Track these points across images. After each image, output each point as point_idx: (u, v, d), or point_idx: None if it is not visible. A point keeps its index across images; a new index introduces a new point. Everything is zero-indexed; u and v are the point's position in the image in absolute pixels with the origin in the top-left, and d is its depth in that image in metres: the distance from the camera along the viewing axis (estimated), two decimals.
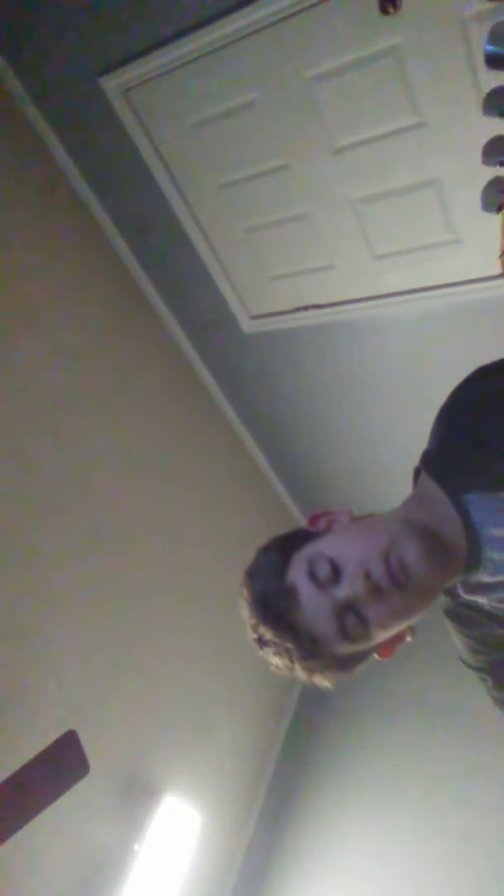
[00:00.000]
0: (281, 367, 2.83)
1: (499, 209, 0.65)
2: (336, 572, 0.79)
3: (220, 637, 2.78)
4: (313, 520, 0.89)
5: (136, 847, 2.22)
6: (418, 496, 0.88)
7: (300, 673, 0.83)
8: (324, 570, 0.79)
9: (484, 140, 1.61)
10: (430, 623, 1.00)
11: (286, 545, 0.86)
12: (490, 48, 0.60)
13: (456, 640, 0.98)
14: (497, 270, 2.11)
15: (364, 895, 2.50)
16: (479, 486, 0.83)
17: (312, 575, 0.80)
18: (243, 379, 2.98)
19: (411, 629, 0.86)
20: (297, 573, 0.81)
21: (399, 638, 0.86)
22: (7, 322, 2.20)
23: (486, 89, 1.74)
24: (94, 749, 1.72)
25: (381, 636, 0.82)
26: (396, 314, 2.41)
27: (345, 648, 0.82)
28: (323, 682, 0.85)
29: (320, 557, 0.80)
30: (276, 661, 0.83)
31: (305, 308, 2.53)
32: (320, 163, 2.10)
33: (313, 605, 0.79)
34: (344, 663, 0.84)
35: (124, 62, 2.08)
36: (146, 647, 2.48)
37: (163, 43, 2.01)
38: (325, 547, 0.82)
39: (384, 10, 1.73)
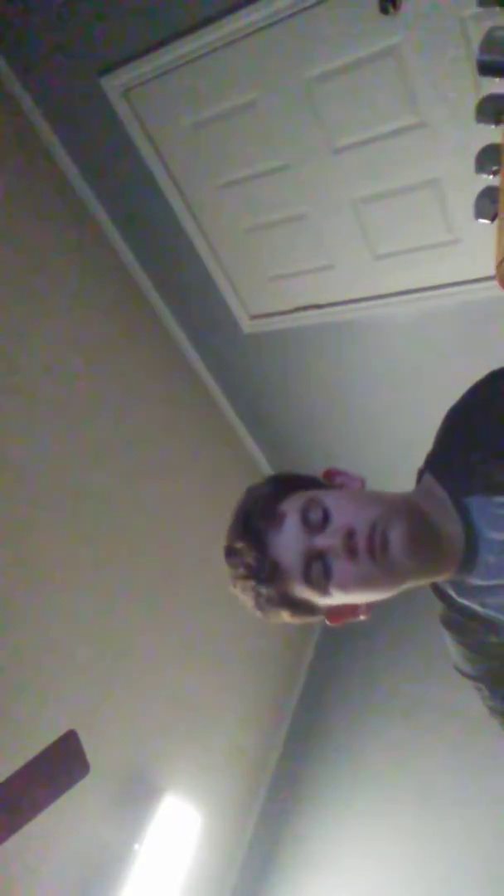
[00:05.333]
0: (281, 366, 2.83)
1: (492, 218, 0.65)
2: (325, 523, 0.81)
3: (221, 637, 2.79)
4: (329, 474, 0.92)
5: (136, 847, 2.22)
6: (425, 490, 0.89)
7: (250, 594, 0.84)
8: (315, 515, 0.81)
9: (484, 140, 1.61)
10: (430, 626, 1.00)
11: (294, 481, 0.89)
12: (482, 57, 0.60)
13: (451, 648, 0.98)
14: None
15: (364, 895, 2.50)
16: (482, 489, 0.83)
17: (304, 513, 0.82)
18: (243, 379, 2.98)
19: (368, 609, 0.88)
20: (291, 505, 0.83)
21: (352, 611, 0.88)
22: (5, 322, 2.20)
23: (487, 88, 1.75)
24: (94, 749, 1.72)
25: (338, 597, 0.82)
26: (396, 314, 2.41)
27: (300, 591, 0.83)
28: (267, 614, 0.86)
29: (318, 503, 0.82)
30: (235, 573, 0.85)
31: (305, 308, 2.53)
32: (320, 163, 2.10)
33: (290, 538, 0.81)
34: (293, 605, 0.85)
35: (124, 62, 2.08)
36: (146, 646, 2.48)
37: (163, 43, 2.01)
38: (325, 496, 0.84)
39: (384, 10, 1.73)
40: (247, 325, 2.70)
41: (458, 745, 2.59)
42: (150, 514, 2.61)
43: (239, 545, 0.83)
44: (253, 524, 0.83)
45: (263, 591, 0.83)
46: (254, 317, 2.67)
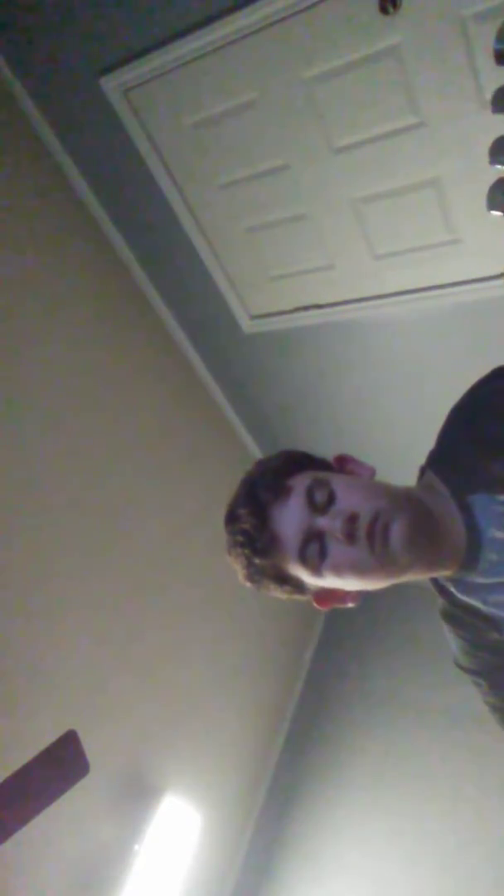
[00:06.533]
0: (281, 367, 2.83)
1: None
2: (329, 505, 0.81)
3: (221, 637, 2.79)
4: (341, 460, 0.93)
5: (136, 847, 2.22)
6: (427, 486, 0.89)
7: (243, 563, 0.85)
8: (321, 496, 0.82)
9: (484, 139, 1.61)
10: (431, 626, 1.00)
11: (305, 459, 0.90)
12: (499, 46, 0.60)
13: (451, 642, 0.98)
14: (497, 270, 2.11)
15: (364, 895, 2.50)
16: (484, 487, 0.83)
17: (310, 492, 0.82)
18: (243, 379, 2.98)
19: (357, 596, 0.88)
20: (298, 482, 0.84)
21: (341, 597, 0.88)
22: (6, 323, 2.20)
23: (488, 88, 1.75)
24: (94, 749, 1.72)
25: (330, 580, 0.83)
26: (396, 314, 2.41)
27: (293, 568, 0.84)
28: (256, 584, 0.87)
29: (326, 485, 0.83)
30: (233, 540, 0.86)
31: (305, 308, 2.53)
32: (320, 163, 2.10)
33: (293, 514, 0.82)
34: (283, 580, 0.86)
35: (124, 62, 2.08)
36: (146, 645, 2.48)
37: (163, 43, 2.01)
38: (334, 479, 0.84)
39: (384, 10, 1.73)
40: (247, 325, 2.70)
41: (459, 743, 2.59)
42: (149, 515, 2.61)
43: (241, 512, 0.84)
44: (258, 494, 0.84)
45: (257, 561, 0.84)
46: (254, 317, 2.67)
